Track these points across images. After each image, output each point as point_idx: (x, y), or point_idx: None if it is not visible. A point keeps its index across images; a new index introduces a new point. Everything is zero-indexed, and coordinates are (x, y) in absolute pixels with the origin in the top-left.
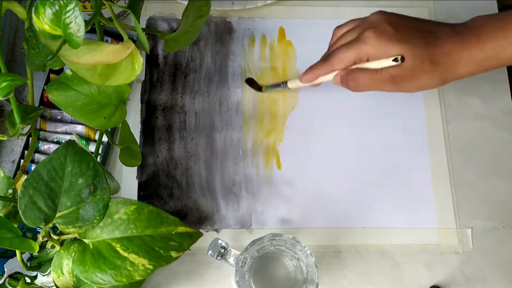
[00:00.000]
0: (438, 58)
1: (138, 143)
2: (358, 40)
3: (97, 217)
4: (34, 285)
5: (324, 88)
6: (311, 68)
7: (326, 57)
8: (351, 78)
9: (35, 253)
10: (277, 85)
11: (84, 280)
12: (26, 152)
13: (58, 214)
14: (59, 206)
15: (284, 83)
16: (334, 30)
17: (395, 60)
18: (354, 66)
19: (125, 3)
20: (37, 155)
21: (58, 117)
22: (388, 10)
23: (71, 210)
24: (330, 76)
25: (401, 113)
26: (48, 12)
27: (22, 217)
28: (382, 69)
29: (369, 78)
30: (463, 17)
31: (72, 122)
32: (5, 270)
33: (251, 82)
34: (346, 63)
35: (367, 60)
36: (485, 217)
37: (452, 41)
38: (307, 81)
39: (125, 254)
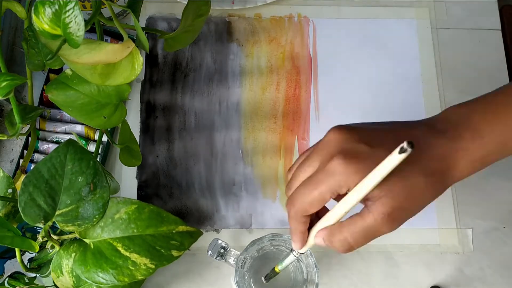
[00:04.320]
0: (431, 168)
1: (138, 143)
2: (325, 173)
3: (97, 216)
4: (34, 285)
5: (323, 88)
6: (291, 230)
7: (291, 205)
8: (336, 240)
9: (35, 254)
10: (287, 257)
11: (86, 280)
12: (25, 151)
13: (57, 212)
14: (59, 204)
15: (292, 250)
16: (287, 172)
17: (402, 150)
18: (334, 216)
19: (124, 3)
20: (36, 155)
21: (58, 117)
22: (389, 10)
23: (71, 208)
24: (312, 238)
25: (401, 113)
26: (48, 11)
27: (22, 215)
28: (369, 211)
29: (358, 230)
30: (463, 17)
31: (71, 122)
32: (5, 270)
33: (271, 275)
34: (320, 202)
35: (346, 192)
36: (485, 217)
37: (441, 142)
38: (302, 246)
39: (127, 254)
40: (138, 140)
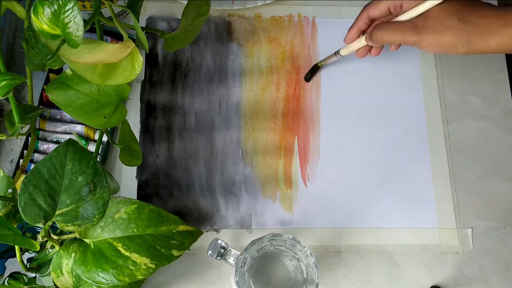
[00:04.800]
0: (468, 18)
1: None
2: None
3: (97, 216)
4: (34, 285)
5: (323, 88)
6: (352, 25)
7: (362, 9)
8: (375, 29)
9: (35, 254)
10: (331, 57)
11: (86, 280)
12: (25, 151)
13: (57, 212)
14: (59, 204)
15: (337, 52)
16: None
17: None
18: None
19: (124, 3)
20: (36, 155)
21: (58, 117)
22: None
23: (71, 208)
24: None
25: (401, 113)
26: (47, 11)
27: (22, 214)
28: (405, 21)
29: (392, 26)
30: None
31: (71, 122)
32: (5, 269)
33: (312, 72)
34: (381, 7)
35: (401, 7)
36: (485, 217)
37: (490, 10)
38: (350, 39)
39: (127, 254)
40: (138, 140)
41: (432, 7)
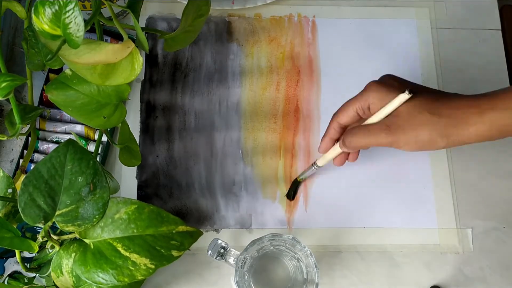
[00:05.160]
0: (440, 111)
1: (138, 143)
2: (360, 93)
3: (97, 216)
4: (33, 285)
5: (323, 88)
6: (324, 134)
7: (332, 117)
8: (347, 136)
9: (35, 254)
10: (309, 170)
11: (86, 280)
12: (25, 151)
13: (57, 212)
14: (59, 204)
15: (314, 163)
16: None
17: (403, 92)
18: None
19: (124, 3)
20: (36, 155)
21: (58, 117)
22: (389, 10)
23: (71, 208)
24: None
25: None
26: (48, 12)
27: (22, 215)
28: (377, 123)
29: (364, 131)
30: (463, 17)
31: (71, 122)
32: (5, 269)
33: (293, 188)
34: (349, 113)
35: (369, 109)
36: (485, 217)
37: (459, 98)
38: (324, 149)
39: (127, 254)
40: (138, 140)
41: (401, 106)
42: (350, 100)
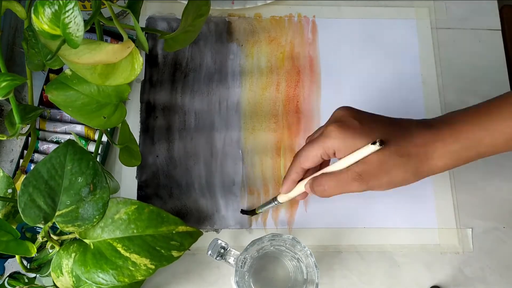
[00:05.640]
0: (408, 151)
1: (138, 143)
2: (322, 135)
3: (97, 216)
4: (33, 285)
5: (323, 88)
6: (285, 176)
7: (293, 158)
8: (317, 184)
9: (35, 255)
10: (269, 204)
11: (86, 280)
12: (25, 151)
13: (57, 213)
14: (59, 205)
15: (275, 199)
16: (306, 139)
17: (373, 143)
18: (322, 171)
19: (124, 3)
20: (36, 155)
21: (58, 117)
22: (389, 10)
23: (71, 209)
24: (303, 185)
25: (401, 113)
26: (47, 11)
27: (22, 215)
28: (347, 169)
29: (334, 180)
30: (463, 17)
31: (71, 122)
32: (5, 269)
33: (245, 212)
34: (313, 159)
35: (334, 155)
36: (485, 217)
37: (423, 132)
38: (287, 191)
39: (127, 254)
40: (138, 140)
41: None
42: (312, 144)
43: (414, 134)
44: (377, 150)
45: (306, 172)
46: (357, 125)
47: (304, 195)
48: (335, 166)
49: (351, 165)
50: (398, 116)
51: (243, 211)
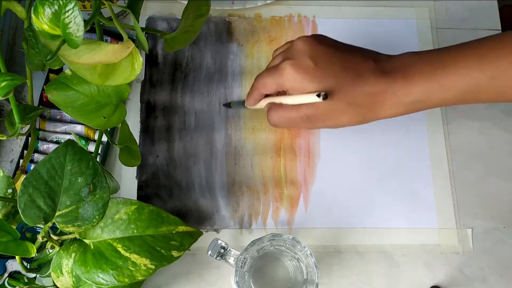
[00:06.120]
0: (357, 99)
1: (138, 143)
2: (277, 69)
3: (97, 216)
4: (33, 285)
5: None
6: (249, 92)
7: (255, 80)
8: (270, 114)
9: (35, 255)
10: (240, 104)
11: (86, 280)
12: (25, 151)
13: (57, 213)
14: (59, 205)
15: (244, 102)
16: (272, 53)
17: (318, 95)
18: (279, 99)
19: (124, 3)
20: (36, 155)
21: (58, 117)
22: (389, 10)
23: (71, 209)
24: (264, 103)
25: None
26: (47, 11)
27: (22, 216)
28: (298, 108)
29: (285, 116)
30: (463, 17)
31: (71, 122)
32: (5, 269)
33: (226, 105)
34: (269, 89)
35: (287, 92)
36: (485, 217)
37: (376, 81)
38: (250, 106)
39: (127, 254)
40: (138, 140)
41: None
42: (268, 75)
43: (367, 81)
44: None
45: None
46: (311, 67)
47: None
48: (286, 99)
49: (302, 105)
50: (400, 116)
51: (224, 104)
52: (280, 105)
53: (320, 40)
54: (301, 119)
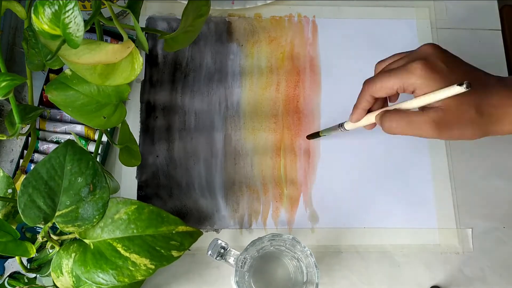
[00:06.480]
0: (484, 109)
1: (138, 143)
2: (404, 69)
3: (97, 216)
4: (33, 285)
5: (323, 88)
6: (356, 104)
7: (367, 84)
8: (388, 119)
9: (35, 255)
10: (334, 130)
11: (86, 280)
12: (25, 151)
13: (57, 213)
14: (59, 205)
15: (342, 125)
16: (376, 64)
17: (460, 85)
18: (396, 106)
19: (124, 3)
20: (36, 155)
21: (58, 117)
22: (389, 10)
23: (71, 209)
24: (373, 116)
25: None
26: (47, 11)
27: (22, 216)
28: (423, 112)
29: (406, 120)
30: (463, 17)
31: (71, 122)
32: (5, 269)
33: (310, 136)
34: (388, 90)
35: (412, 92)
36: (485, 217)
37: (500, 93)
38: (357, 120)
39: (127, 254)
40: (138, 140)
41: (449, 97)
42: (390, 75)
43: (493, 92)
44: (460, 95)
45: (374, 102)
46: (444, 69)
47: (373, 125)
48: (411, 103)
49: (428, 108)
50: None
51: (308, 136)
52: (398, 109)
53: (445, 49)
54: (427, 124)
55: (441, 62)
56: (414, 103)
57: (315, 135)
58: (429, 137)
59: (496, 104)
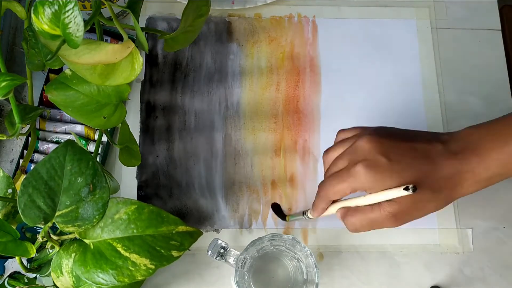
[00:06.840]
0: (439, 185)
1: (138, 143)
2: (349, 174)
3: (97, 216)
4: (33, 285)
5: (323, 88)
6: (314, 203)
7: (322, 188)
8: (349, 220)
9: (35, 255)
10: (299, 217)
11: (86, 280)
12: (25, 151)
13: (57, 213)
14: (59, 205)
15: (305, 213)
16: (323, 156)
17: (406, 189)
18: (354, 202)
19: (124, 3)
20: (36, 155)
21: (58, 117)
22: (389, 10)
23: (71, 209)
24: (334, 210)
25: (401, 113)
26: (47, 11)
27: (22, 216)
28: (380, 207)
29: (367, 218)
30: (463, 17)
31: (71, 122)
32: (5, 269)
33: (277, 210)
34: (342, 194)
35: (365, 190)
36: (485, 217)
37: (450, 162)
38: (318, 216)
39: (127, 254)
40: (138, 140)
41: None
42: (339, 181)
43: (443, 165)
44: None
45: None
46: (386, 164)
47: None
48: (366, 200)
49: (383, 202)
50: (399, 116)
51: (275, 210)
52: (356, 208)
53: (381, 135)
54: (386, 218)
55: (381, 156)
56: (369, 200)
57: (281, 217)
58: (392, 227)
59: (449, 175)
